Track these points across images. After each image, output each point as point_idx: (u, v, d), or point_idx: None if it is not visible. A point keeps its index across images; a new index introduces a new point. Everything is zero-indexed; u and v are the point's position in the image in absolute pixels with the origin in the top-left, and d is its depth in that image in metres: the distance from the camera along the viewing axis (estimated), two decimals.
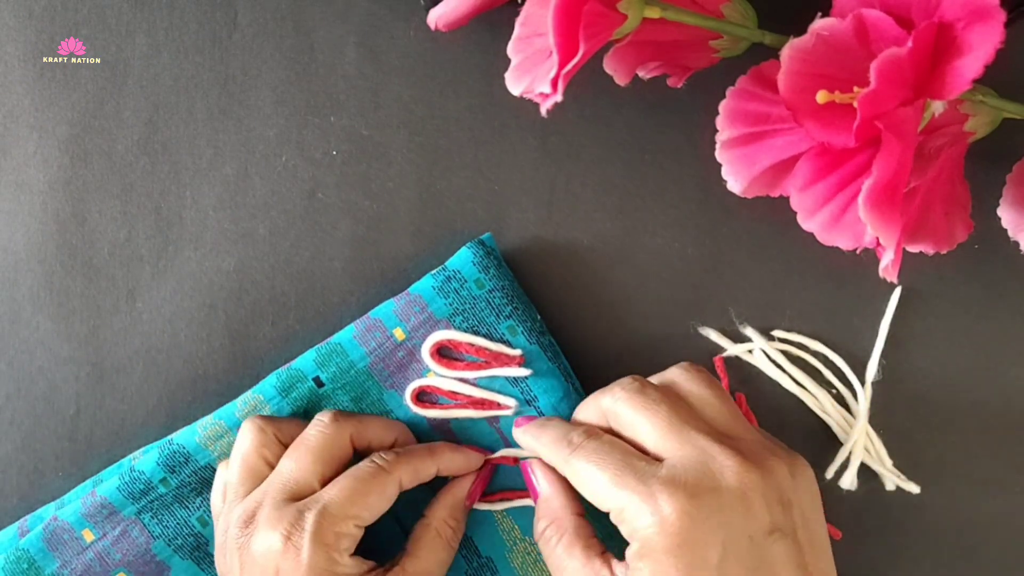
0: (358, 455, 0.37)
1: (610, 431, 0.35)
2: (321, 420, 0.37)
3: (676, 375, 0.35)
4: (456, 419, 0.39)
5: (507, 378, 0.39)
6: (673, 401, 0.33)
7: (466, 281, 0.39)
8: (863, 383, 0.40)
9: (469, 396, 0.39)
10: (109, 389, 0.41)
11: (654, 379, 0.36)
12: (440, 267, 0.39)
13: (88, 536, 0.38)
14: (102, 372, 0.41)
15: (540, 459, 0.37)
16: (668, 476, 0.31)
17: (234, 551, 0.34)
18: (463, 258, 0.39)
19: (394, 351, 0.39)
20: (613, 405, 0.34)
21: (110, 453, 0.41)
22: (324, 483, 0.35)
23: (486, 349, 0.39)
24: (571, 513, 0.35)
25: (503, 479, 0.40)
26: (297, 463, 0.35)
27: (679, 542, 0.30)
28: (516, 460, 0.39)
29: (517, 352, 0.39)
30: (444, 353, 0.39)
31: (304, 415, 0.39)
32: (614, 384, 0.35)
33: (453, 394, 0.39)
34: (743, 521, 0.30)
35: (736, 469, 0.31)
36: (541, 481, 0.37)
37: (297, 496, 0.34)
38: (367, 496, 0.34)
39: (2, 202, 0.41)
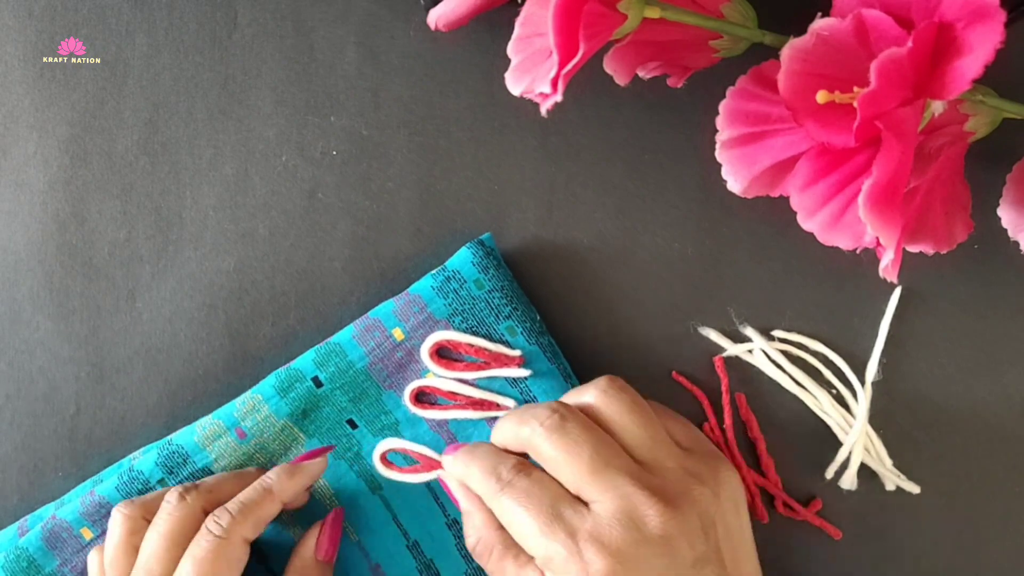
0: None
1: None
2: (168, 502, 0.35)
3: (596, 398, 0.34)
4: (455, 420, 0.39)
5: (506, 379, 0.39)
6: (596, 439, 0.33)
7: (465, 281, 0.39)
8: (863, 383, 0.40)
9: (468, 397, 0.39)
10: (109, 389, 0.41)
11: (572, 396, 0.35)
12: (440, 267, 0.39)
13: (87, 534, 0.38)
14: (102, 372, 0.41)
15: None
16: (594, 531, 0.31)
17: None
18: (463, 258, 0.39)
19: (393, 351, 0.39)
20: (532, 439, 0.33)
21: (110, 453, 0.41)
22: None
23: (485, 350, 0.39)
24: (495, 528, 0.34)
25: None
26: (153, 553, 0.35)
27: None
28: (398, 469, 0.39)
29: (516, 353, 0.39)
30: (443, 354, 0.39)
31: (302, 415, 0.39)
32: (530, 414, 0.34)
33: (452, 394, 0.39)
34: (668, 564, 0.31)
35: (659, 517, 0.31)
36: (460, 497, 0.36)
37: None
38: (220, 574, 0.34)
39: (2, 202, 0.41)
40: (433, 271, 0.39)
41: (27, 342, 0.41)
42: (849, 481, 0.40)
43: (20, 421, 0.41)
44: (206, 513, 0.36)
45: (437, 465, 0.39)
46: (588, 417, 0.34)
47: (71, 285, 0.41)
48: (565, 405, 0.34)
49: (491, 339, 0.39)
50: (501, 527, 0.34)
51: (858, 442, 0.40)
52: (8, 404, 0.41)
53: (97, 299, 0.41)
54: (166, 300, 0.41)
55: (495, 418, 0.39)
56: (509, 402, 0.39)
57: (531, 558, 0.33)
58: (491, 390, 0.39)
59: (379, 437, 0.39)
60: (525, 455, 0.35)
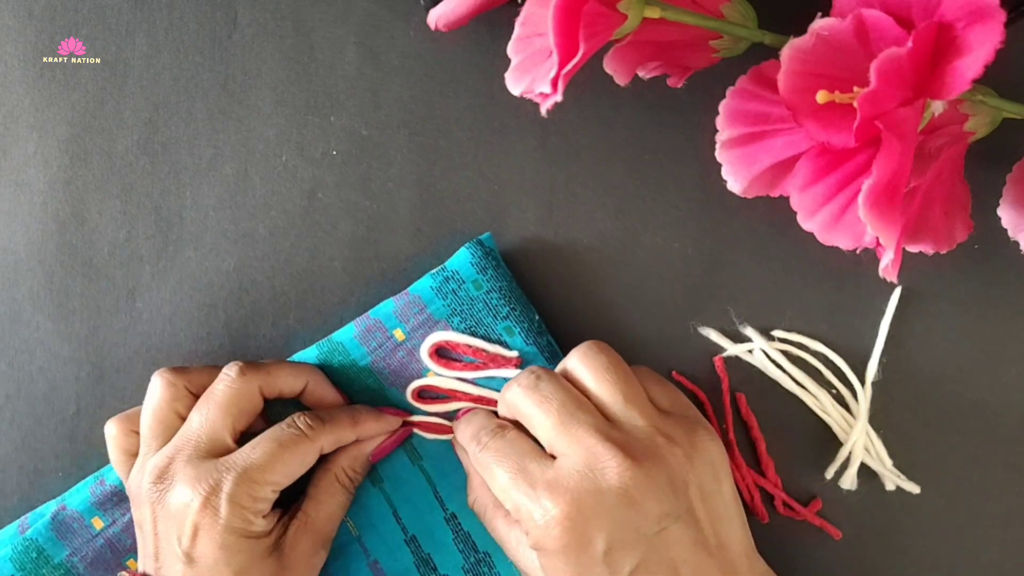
0: (268, 405, 0.38)
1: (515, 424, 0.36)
2: (228, 374, 0.36)
3: (574, 361, 0.36)
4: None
5: (505, 379, 0.39)
6: (565, 394, 0.34)
7: (464, 282, 0.39)
8: (863, 383, 0.40)
9: (468, 394, 0.39)
10: (109, 389, 0.41)
11: (560, 366, 0.37)
12: (439, 267, 0.39)
13: (98, 524, 0.38)
14: (102, 372, 0.41)
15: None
16: (553, 479, 0.32)
17: (146, 503, 0.35)
18: (461, 259, 0.39)
19: (394, 351, 0.39)
20: (513, 399, 0.35)
21: None
22: (236, 437, 0.36)
23: (482, 351, 0.39)
24: (487, 487, 0.36)
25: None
26: (207, 418, 0.35)
27: (564, 543, 0.32)
28: (438, 427, 0.39)
29: (514, 354, 0.39)
30: (442, 354, 0.39)
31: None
32: (516, 377, 0.36)
33: (453, 392, 0.39)
34: (628, 516, 0.32)
35: (618, 468, 0.32)
36: (463, 459, 0.39)
37: (210, 452, 0.35)
38: (288, 464, 0.35)
39: (2, 202, 0.41)
40: (432, 271, 0.39)
41: (27, 342, 0.41)
42: (849, 481, 0.40)
43: (20, 421, 0.41)
44: (262, 394, 0.37)
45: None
46: (566, 379, 0.36)
47: (71, 285, 0.41)
48: (543, 368, 0.36)
49: (489, 339, 0.39)
50: None
51: (858, 442, 0.39)
52: (8, 404, 0.41)
53: (97, 299, 0.41)
54: (166, 300, 0.41)
55: None
56: None
57: None
58: (491, 388, 0.39)
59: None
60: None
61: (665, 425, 0.34)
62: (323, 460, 0.37)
